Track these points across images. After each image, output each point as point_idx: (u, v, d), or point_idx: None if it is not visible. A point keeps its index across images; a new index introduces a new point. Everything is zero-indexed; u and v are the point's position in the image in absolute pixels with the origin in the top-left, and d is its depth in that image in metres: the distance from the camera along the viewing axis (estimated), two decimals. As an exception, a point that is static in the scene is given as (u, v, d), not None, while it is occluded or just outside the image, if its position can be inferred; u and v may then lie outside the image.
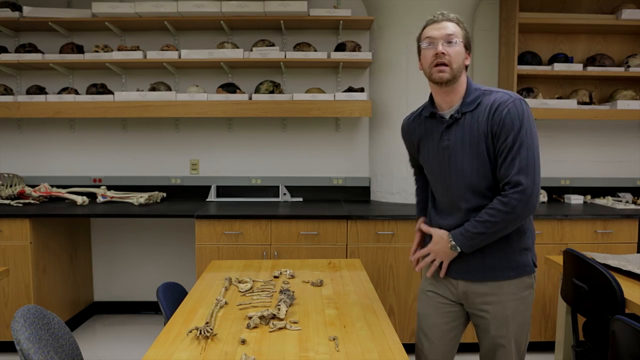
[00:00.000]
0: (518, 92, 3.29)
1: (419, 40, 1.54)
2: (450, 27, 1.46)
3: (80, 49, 3.23)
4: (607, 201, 3.26)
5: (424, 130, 1.62)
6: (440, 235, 1.55)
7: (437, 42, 1.45)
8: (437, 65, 1.45)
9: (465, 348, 2.82)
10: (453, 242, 1.50)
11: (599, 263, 1.83)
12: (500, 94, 1.46)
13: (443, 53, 1.44)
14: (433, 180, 1.62)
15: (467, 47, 1.49)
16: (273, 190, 3.42)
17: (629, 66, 3.22)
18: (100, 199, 3.17)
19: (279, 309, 1.53)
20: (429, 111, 1.58)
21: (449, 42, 1.44)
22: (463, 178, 1.50)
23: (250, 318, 1.48)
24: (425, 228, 1.63)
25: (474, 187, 1.49)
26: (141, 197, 3.12)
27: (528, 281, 1.56)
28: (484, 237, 1.45)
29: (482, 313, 1.56)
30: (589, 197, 3.40)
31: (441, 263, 1.58)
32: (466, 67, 1.51)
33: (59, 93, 3.22)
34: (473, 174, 1.48)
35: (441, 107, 1.55)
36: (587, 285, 1.83)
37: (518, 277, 1.53)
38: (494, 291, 1.53)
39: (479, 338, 1.64)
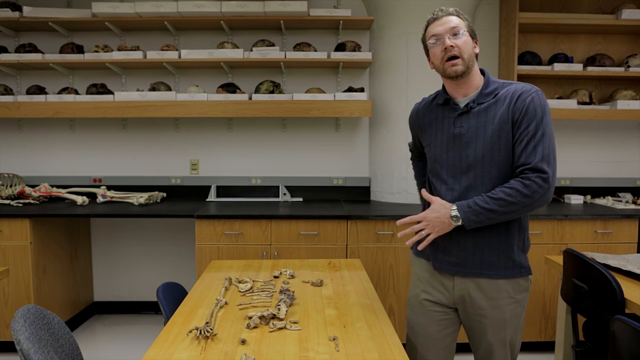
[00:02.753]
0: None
1: (424, 40, 1.55)
2: (453, 20, 1.47)
3: (80, 49, 3.23)
4: (607, 201, 3.26)
5: (434, 117, 1.60)
6: (441, 204, 1.47)
7: (444, 37, 1.46)
8: (448, 59, 1.46)
9: (462, 348, 2.83)
10: (456, 213, 1.43)
11: (599, 263, 1.83)
12: (521, 85, 1.47)
13: (452, 46, 1.44)
14: (437, 167, 1.58)
15: (473, 36, 1.50)
16: (273, 190, 3.42)
17: (629, 66, 3.22)
18: (100, 199, 3.17)
19: (279, 309, 1.53)
20: (443, 98, 1.57)
21: (455, 35, 1.45)
22: (474, 165, 1.48)
23: (250, 318, 1.48)
24: (427, 195, 1.52)
25: (484, 176, 1.47)
26: (141, 197, 3.12)
27: (524, 284, 1.55)
28: (491, 215, 1.40)
29: (480, 317, 1.54)
30: (589, 197, 3.40)
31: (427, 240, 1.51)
32: (477, 55, 1.52)
33: (59, 93, 3.22)
34: (485, 162, 1.47)
35: (455, 97, 1.55)
36: (587, 285, 1.83)
37: (514, 277, 1.52)
38: (491, 294, 1.52)
39: (473, 342, 1.62)
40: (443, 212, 1.45)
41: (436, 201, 1.48)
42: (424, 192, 1.55)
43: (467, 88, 1.52)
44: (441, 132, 1.56)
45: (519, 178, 1.40)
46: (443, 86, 1.60)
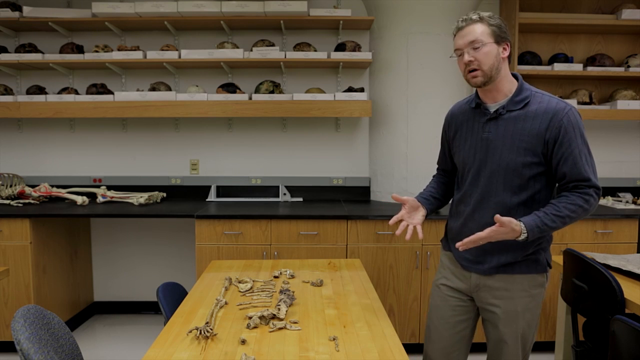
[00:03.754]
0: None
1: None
2: (474, 31, 1.48)
3: (80, 49, 3.23)
4: (607, 201, 3.26)
5: (466, 119, 1.65)
6: (513, 228, 1.39)
7: (464, 51, 1.50)
8: (469, 72, 1.50)
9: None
10: (525, 235, 1.41)
11: (599, 263, 1.83)
12: (555, 100, 1.49)
13: (470, 61, 1.48)
14: (463, 170, 1.64)
15: (499, 41, 1.50)
16: (273, 190, 3.42)
17: (629, 66, 3.22)
18: (100, 199, 3.17)
19: (279, 309, 1.53)
20: (475, 102, 1.62)
21: (475, 48, 1.48)
22: (498, 171, 1.53)
23: (250, 318, 1.48)
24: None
25: (506, 182, 1.52)
26: (141, 197, 3.12)
27: (540, 279, 1.59)
28: (552, 230, 1.45)
29: (493, 308, 1.60)
30: (589, 197, 3.40)
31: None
32: (509, 58, 1.54)
33: (59, 93, 3.22)
34: (509, 170, 1.51)
35: (485, 102, 1.59)
36: (587, 285, 1.83)
37: (529, 273, 1.56)
38: (506, 286, 1.57)
39: (486, 333, 1.67)
40: (511, 235, 1.41)
41: (508, 225, 1.39)
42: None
43: (496, 94, 1.55)
44: (471, 135, 1.61)
45: (578, 193, 1.45)
46: (476, 90, 1.63)
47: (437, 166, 1.91)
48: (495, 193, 1.54)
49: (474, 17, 1.50)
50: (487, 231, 1.41)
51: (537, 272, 1.58)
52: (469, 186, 1.62)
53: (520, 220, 1.41)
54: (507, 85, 1.54)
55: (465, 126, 1.64)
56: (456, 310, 1.69)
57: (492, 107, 1.56)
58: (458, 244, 1.48)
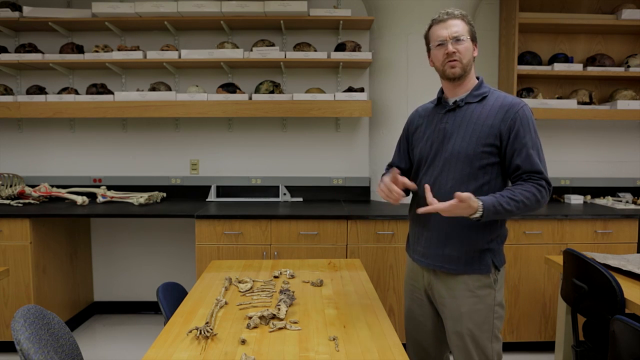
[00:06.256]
0: (518, 92, 3.29)
1: (427, 38, 1.63)
2: (457, 26, 1.54)
3: (80, 49, 3.23)
4: (607, 201, 3.26)
5: (427, 115, 1.71)
6: (470, 205, 1.39)
7: (447, 42, 1.54)
8: (449, 61, 1.55)
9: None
10: (481, 213, 1.40)
11: (599, 263, 1.84)
12: (511, 97, 1.57)
13: (454, 52, 1.53)
14: (420, 162, 1.67)
15: (474, 39, 1.58)
16: (273, 190, 3.42)
17: (629, 66, 3.22)
18: (100, 199, 3.17)
19: (279, 309, 1.53)
20: (437, 97, 1.69)
21: (458, 41, 1.53)
22: (450, 159, 1.56)
23: (250, 318, 1.48)
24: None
25: (456, 170, 1.55)
26: (141, 197, 3.12)
27: (485, 280, 1.57)
28: (506, 215, 1.46)
29: (441, 307, 1.64)
30: (589, 197, 3.40)
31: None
32: (474, 58, 1.61)
33: (59, 93, 3.22)
34: (460, 156, 1.55)
35: (448, 97, 1.66)
36: (587, 285, 1.83)
37: (473, 273, 1.56)
38: (450, 285, 1.60)
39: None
40: (468, 212, 1.42)
41: (467, 200, 1.39)
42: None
43: (460, 89, 1.61)
44: (430, 128, 1.67)
45: (532, 183, 1.47)
46: (441, 88, 1.69)
47: (387, 167, 1.90)
48: (445, 181, 1.57)
49: (457, 12, 1.56)
50: (447, 204, 1.40)
51: (482, 272, 1.56)
52: (423, 176, 1.65)
53: (478, 198, 1.42)
54: (472, 83, 1.61)
55: (426, 121, 1.70)
56: (419, 304, 1.73)
57: (451, 100, 1.63)
58: (419, 210, 1.46)
